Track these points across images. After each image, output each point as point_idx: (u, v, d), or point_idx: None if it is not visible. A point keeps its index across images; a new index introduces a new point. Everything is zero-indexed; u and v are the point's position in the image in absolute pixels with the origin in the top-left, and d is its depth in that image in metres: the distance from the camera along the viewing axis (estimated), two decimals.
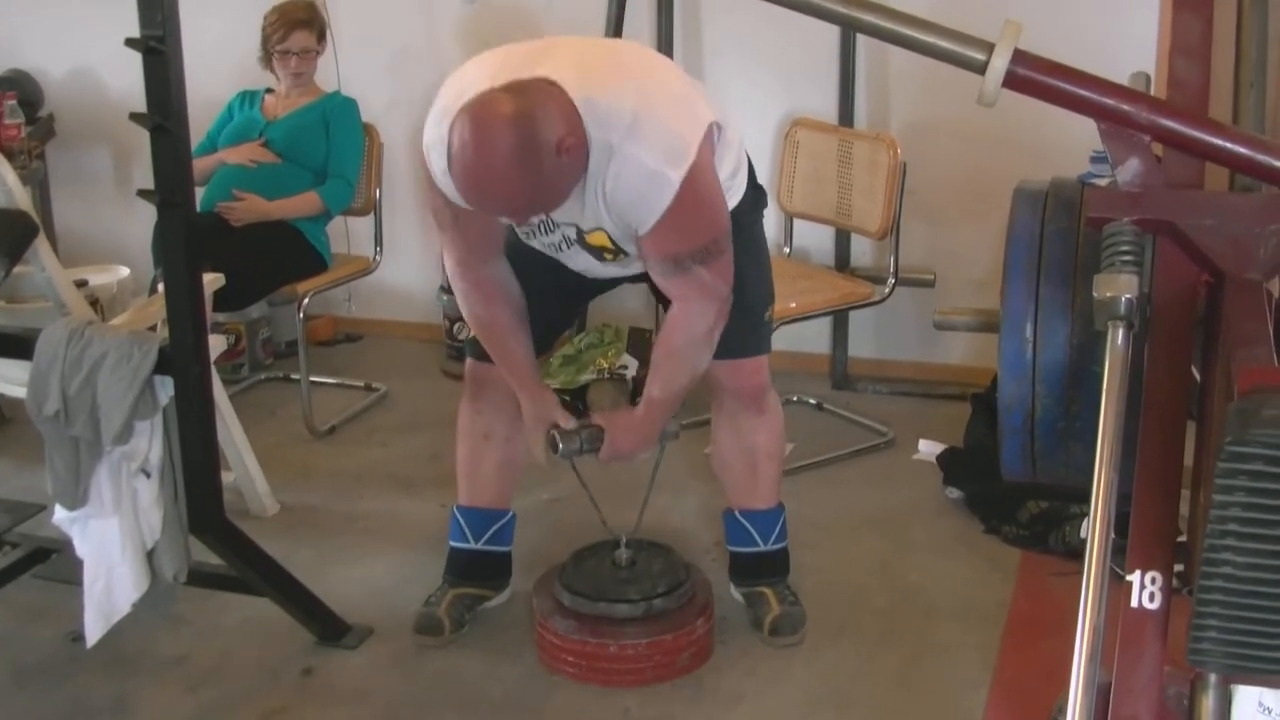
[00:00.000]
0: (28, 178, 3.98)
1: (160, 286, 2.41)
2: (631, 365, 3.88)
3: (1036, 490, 2.99)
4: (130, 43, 2.17)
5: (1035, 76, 1.48)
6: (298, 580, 2.64)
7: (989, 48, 1.48)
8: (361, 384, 4.13)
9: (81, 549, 2.49)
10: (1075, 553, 2.87)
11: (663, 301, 2.45)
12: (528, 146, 2.03)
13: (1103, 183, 1.77)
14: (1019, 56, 1.47)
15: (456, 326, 4.11)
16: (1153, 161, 1.49)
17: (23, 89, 4.53)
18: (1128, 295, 1.37)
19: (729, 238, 2.31)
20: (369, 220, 4.03)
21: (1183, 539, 1.46)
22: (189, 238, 2.31)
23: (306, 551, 3.01)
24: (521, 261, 2.47)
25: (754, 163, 2.56)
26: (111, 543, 2.45)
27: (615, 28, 3.94)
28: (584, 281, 2.56)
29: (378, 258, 4.00)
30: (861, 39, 3.80)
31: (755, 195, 2.55)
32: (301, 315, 3.76)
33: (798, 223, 3.85)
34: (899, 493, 3.36)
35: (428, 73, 4.18)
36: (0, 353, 2.63)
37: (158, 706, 2.51)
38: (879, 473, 3.49)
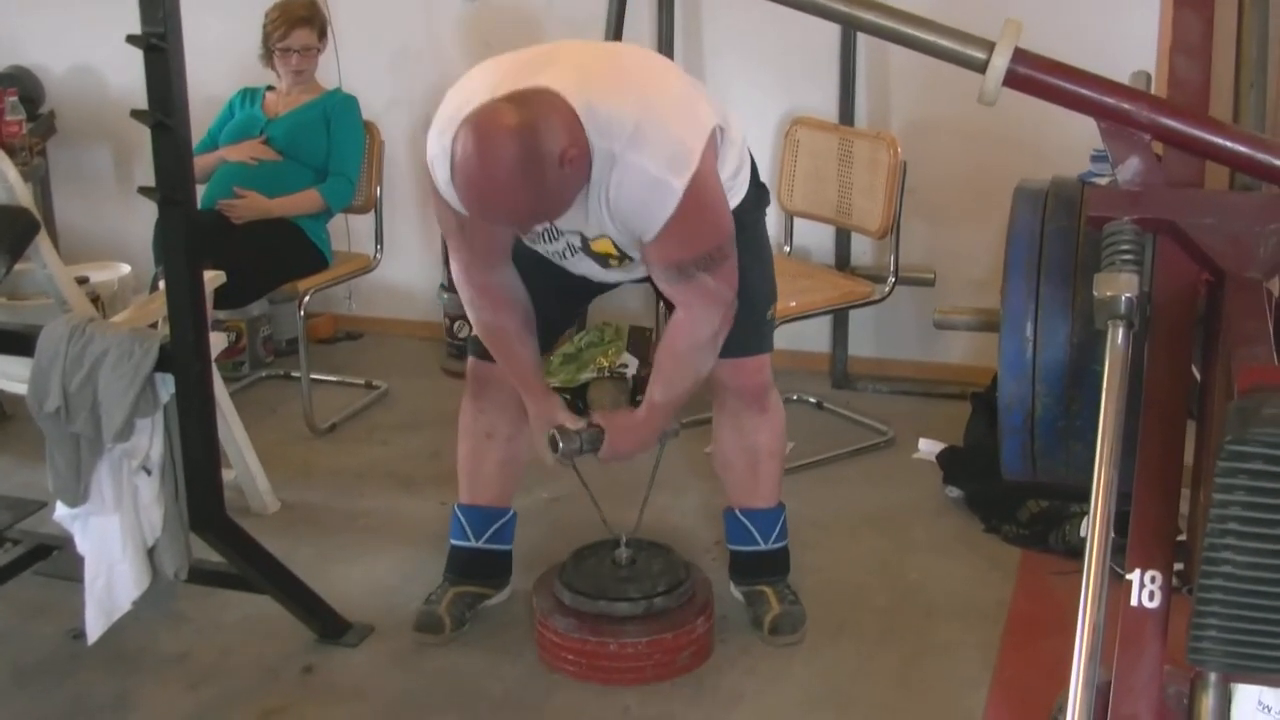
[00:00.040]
0: (29, 174, 3.98)
1: (161, 284, 2.42)
2: (632, 364, 3.88)
3: (1036, 489, 2.99)
4: (131, 40, 2.17)
5: (1036, 75, 1.48)
6: (298, 578, 2.64)
7: (989, 46, 1.48)
8: (362, 382, 4.13)
9: (82, 546, 2.49)
10: (1075, 552, 2.86)
11: (665, 301, 2.45)
12: (530, 158, 2.03)
13: (1103, 181, 1.77)
14: (1019, 55, 1.47)
15: (457, 324, 4.11)
16: (1153, 160, 1.49)
17: (24, 85, 4.52)
18: (1128, 294, 1.37)
19: (733, 243, 2.30)
20: (370, 218, 4.02)
21: (1182, 538, 1.45)
22: (190, 235, 2.31)
23: (307, 549, 3.01)
24: (523, 262, 2.46)
25: (755, 161, 2.55)
26: (112, 540, 2.45)
27: (615, 27, 3.94)
28: (586, 283, 2.55)
29: (378, 255, 4.00)
30: (862, 38, 3.80)
31: (758, 193, 2.54)
32: (302, 313, 3.76)
33: (798, 222, 3.84)
34: (899, 492, 3.36)
35: (428, 71, 4.20)
36: (1, 349, 2.64)
37: (158, 704, 2.51)
38: (879, 472, 3.49)
